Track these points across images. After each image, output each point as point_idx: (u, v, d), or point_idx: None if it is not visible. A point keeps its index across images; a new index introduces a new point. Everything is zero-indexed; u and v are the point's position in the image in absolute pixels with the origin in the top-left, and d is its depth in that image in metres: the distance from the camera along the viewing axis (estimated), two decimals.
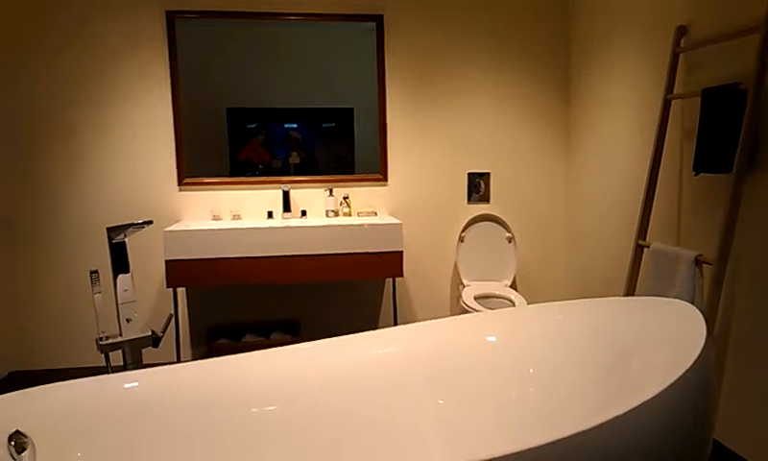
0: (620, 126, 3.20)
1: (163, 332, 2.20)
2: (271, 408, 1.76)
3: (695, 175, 2.45)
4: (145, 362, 2.32)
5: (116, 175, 3.40)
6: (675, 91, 2.67)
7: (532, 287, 3.89)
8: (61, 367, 3.45)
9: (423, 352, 1.91)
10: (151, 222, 2.33)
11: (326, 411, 1.83)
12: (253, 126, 3.54)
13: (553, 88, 3.77)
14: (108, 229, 2.08)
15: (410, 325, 1.99)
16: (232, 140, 3.53)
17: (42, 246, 3.37)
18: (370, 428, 1.84)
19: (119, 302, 2.03)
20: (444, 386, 1.88)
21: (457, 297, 3.78)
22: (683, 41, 2.62)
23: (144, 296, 3.46)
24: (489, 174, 3.77)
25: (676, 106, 2.69)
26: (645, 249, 2.75)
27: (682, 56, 2.63)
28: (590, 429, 1.25)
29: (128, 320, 2.04)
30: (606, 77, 3.33)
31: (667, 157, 2.75)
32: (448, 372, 1.89)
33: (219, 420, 1.77)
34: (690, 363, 1.42)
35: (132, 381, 1.68)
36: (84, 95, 3.34)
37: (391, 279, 3.68)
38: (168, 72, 3.39)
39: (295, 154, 3.62)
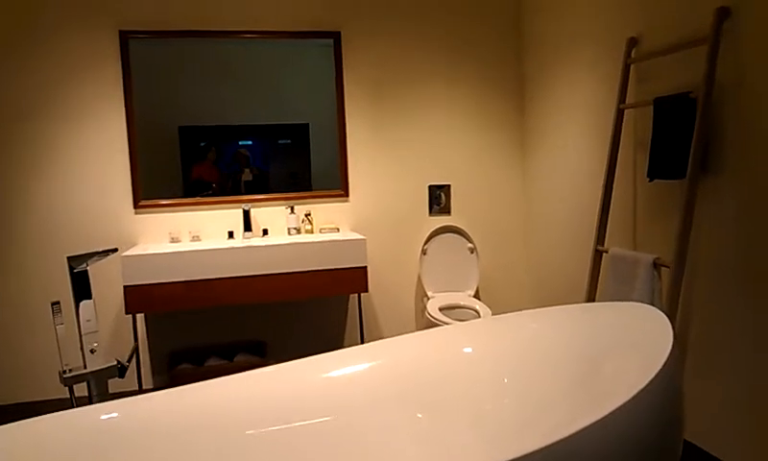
0: (574, 136, 3.29)
1: (129, 362, 2.13)
2: (249, 432, 1.73)
3: (649, 181, 2.53)
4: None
5: (71, 200, 3.29)
6: (627, 101, 2.76)
7: (495, 296, 3.94)
8: (22, 401, 3.30)
9: (399, 367, 1.90)
10: (115, 250, 2.27)
11: (304, 431, 1.80)
12: (204, 144, 3.47)
13: (508, 100, 3.85)
14: (68, 258, 2.00)
15: (384, 340, 1.99)
16: (185, 159, 3.45)
17: None
18: (348, 445, 1.82)
19: (82, 332, 1.96)
20: (421, 400, 1.88)
21: (422, 309, 3.80)
22: (633, 52, 2.71)
23: (102, 323, 3.35)
24: (449, 186, 3.81)
25: (629, 115, 2.78)
26: (604, 254, 2.83)
27: (633, 66, 2.72)
28: (562, 440, 1.26)
29: (92, 351, 1.97)
30: (559, 88, 3.42)
31: (622, 165, 2.83)
32: (425, 385, 1.89)
33: (196, 446, 1.72)
34: (659, 367, 1.46)
35: (108, 412, 1.62)
36: (36, 115, 3.22)
37: (356, 295, 3.66)
38: (122, 93, 3.31)
39: (247, 171, 3.56)
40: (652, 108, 2.48)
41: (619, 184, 2.86)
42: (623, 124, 2.79)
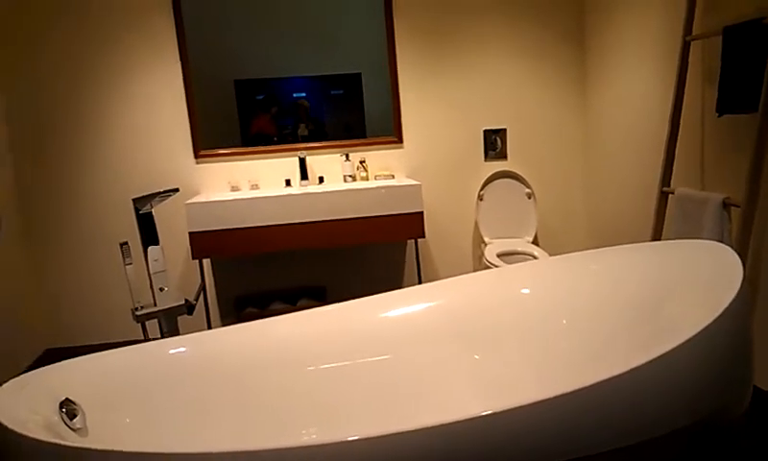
0: (638, 72, 3.15)
1: (196, 300, 2.23)
2: (310, 368, 1.79)
3: (718, 116, 2.42)
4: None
5: (133, 151, 3.41)
6: (694, 32, 2.62)
7: (554, 242, 3.89)
8: (96, 342, 3.52)
9: (457, 307, 1.92)
10: (177, 190, 2.34)
11: (362, 368, 1.85)
12: (261, 97, 3.50)
13: (567, 38, 3.70)
14: (133, 199, 2.09)
15: (441, 281, 2.00)
16: (242, 113, 3.50)
17: (69, 224, 3.41)
18: (405, 384, 1.86)
19: (151, 272, 2.06)
20: (478, 340, 1.89)
21: (479, 255, 3.79)
22: None
23: (171, 269, 3.50)
24: (505, 130, 3.74)
25: (695, 46, 2.64)
26: (670, 195, 2.73)
27: None
28: (626, 373, 1.25)
29: (161, 289, 2.07)
30: (621, 22, 3.27)
31: (688, 101, 2.70)
32: (482, 326, 1.90)
33: (266, 380, 1.79)
34: (726, 305, 1.41)
35: (177, 347, 1.71)
36: (91, 71, 3.33)
37: (413, 241, 3.69)
38: (176, 44, 3.37)
39: (303, 125, 3.58)
40: (721, 38, 2.34)
41: (686, 121, 2.73)
42: (689, 57, 2.65)
